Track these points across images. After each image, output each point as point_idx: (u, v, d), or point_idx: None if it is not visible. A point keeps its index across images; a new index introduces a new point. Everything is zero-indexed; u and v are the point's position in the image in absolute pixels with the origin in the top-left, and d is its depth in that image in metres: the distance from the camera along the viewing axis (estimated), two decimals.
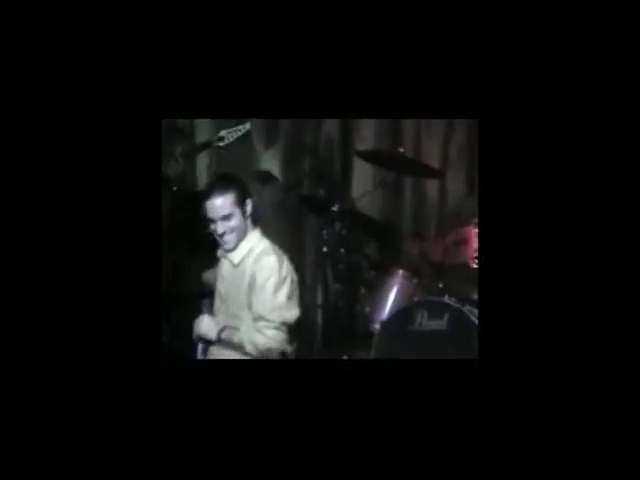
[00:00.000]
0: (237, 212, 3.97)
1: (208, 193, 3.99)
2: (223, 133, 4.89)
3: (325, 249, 5.35)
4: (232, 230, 3.98)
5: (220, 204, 3.94)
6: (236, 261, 4.05)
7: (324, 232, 5.34)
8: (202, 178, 5.83)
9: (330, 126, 5.84)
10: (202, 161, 5.79)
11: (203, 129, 5.74)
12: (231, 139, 4.89)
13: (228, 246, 4.01)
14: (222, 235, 3.98)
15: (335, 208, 5.26)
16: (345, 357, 4.92)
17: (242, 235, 4.02)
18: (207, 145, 5.12)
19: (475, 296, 4.61)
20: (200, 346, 4.07)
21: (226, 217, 3.95)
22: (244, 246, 4.04)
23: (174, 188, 4.99)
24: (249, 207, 4.02)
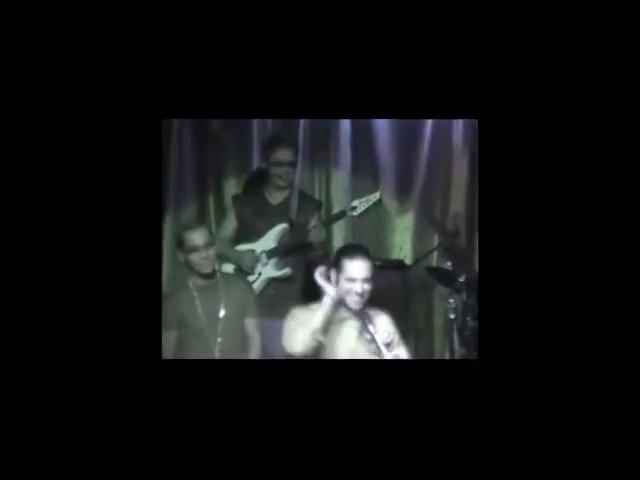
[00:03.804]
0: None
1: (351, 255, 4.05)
2: (355, 203, 5.01)
3: (452, 316, 5.56)
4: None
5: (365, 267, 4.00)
6: None
7: (451, 301, 5.57)
8: (339, 245, 6.04)
9: (457, 203, 6.10)
10: (339, 230, 6.01)
11: (338, 199, 6.06)
12: (363, 208, 5.01)
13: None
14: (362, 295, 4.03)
15: (462, 279, 5.48)
16: None
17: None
18: (342, 214, 5.21)
19: None
20: None
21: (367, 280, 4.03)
22: None
23: (320, 253, 5.11)
24: None
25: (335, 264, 4.06)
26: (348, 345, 4.06)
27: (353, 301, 4.02)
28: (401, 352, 4.04)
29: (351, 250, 4.11)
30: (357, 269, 4.01)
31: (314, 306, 4.08)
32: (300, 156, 5.45)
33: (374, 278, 4.07)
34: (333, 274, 4.03)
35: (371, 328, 4.03)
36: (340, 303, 4.04)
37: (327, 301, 3.99)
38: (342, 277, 4.01)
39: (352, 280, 4.00)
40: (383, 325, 4.11)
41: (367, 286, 4.02)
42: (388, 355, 3.98)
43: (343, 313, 4.07)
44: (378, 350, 3.99)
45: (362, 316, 4.06)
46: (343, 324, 4.08)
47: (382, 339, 4.00)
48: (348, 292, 4.00)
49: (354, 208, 5.03)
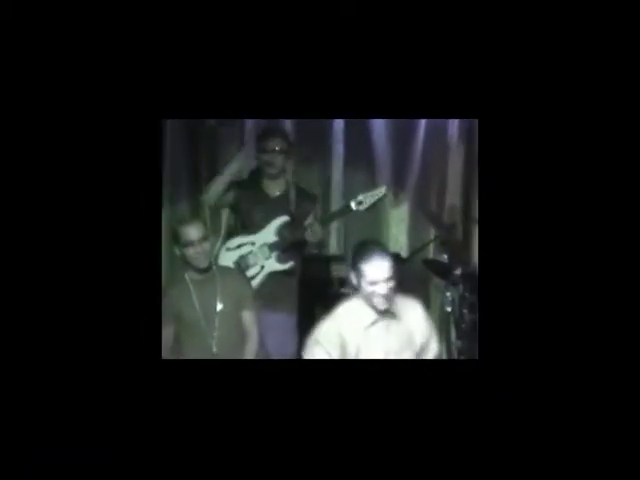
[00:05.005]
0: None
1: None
2: (361, 197, 4.88)
3: (449, 309, 5.61)
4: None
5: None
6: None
7: (448, 294, 5.61)
8: (332, 240, 6.13)
9: (453, 196, 6.14)
10: (333, 223, 5.93)
11: (333, 192, 6.10)
12: (369, 203, 4.90)
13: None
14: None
15: (458, 272, 5.52)
16: None
17: None
18: (347, 209, 5.03)
19: None
20: None
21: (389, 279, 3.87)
22: None
23: (314, 251, 5.08)
24: None
25: (353, 267, 3.86)
26: (382, 346, 3.91)
27: (379, 302, 3.85)
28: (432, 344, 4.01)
29: (367, 251, 3.86)
30: (377, 271, 3.81)
31: (340, 309, 3.93)
32: (295, 150, 5.42)
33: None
34: (354, 277, 3.87)
35: (401, 323, 3.92)
36: (366, 303, 3.88)
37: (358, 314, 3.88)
38: (363, 281, 3.83)
39: (374, 283, 3.82)
40: (412, 314, 3.99)
41: (391, 284, 3.82)
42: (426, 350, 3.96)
43: (371, 315, 3.90)
44: (410, 343, 3.94)
45: (390, 315, 3.91)
46: (372, 327, 3.91)
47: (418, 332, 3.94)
48: (373, 294, 3.83)
49: (360, 203, 4.91)
